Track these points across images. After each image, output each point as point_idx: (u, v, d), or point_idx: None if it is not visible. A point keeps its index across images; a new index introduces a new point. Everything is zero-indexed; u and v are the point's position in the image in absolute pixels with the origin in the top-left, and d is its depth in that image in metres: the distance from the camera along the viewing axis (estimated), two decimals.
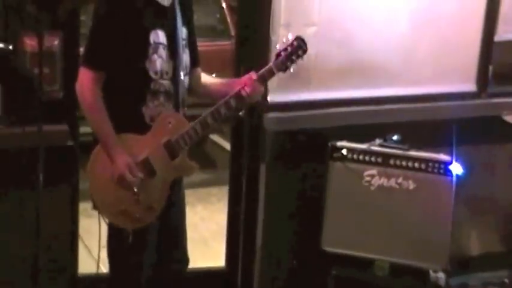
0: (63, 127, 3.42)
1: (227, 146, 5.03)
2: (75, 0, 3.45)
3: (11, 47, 2.88)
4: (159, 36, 2.92)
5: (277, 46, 3.09)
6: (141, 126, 2.95)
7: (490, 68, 4.41)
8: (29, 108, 3.19)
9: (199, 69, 3.21)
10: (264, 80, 3.06)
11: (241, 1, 3.94)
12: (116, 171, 2.90)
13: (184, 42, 3.02)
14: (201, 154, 6.27)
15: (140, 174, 2.92)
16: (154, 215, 2.98)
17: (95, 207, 3.01)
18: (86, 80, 2.88)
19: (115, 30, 2.85)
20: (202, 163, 6.08)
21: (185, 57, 3.04)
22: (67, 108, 3.43)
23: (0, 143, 3.35)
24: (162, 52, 2.93)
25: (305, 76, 3.94)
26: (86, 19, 3.93)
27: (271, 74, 3.06)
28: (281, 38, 3.81)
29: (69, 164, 3.45)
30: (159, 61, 2.92)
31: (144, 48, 2.89)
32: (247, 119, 3.90)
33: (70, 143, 3.42)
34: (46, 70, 3.25)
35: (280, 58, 3.04)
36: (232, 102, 2.99)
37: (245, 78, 3.07)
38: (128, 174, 2.90)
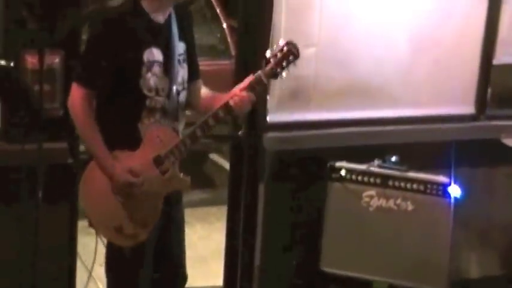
0: (63, 145, 3.42)
1: (226, 165, 5.02)
2: (76, 18, 3.46)
3: (12, 64, 2.89)
4: (154, 54, 2.92)
5: (267, 52, 2.99)
6: (137, 143, 2.95)
7: (489, 90, 4.43)
8: (29, 125, 3.20)
9: (199, 82, 3.18)
10: (252, 89, 2.96)
11: (242, 21, 3.96)
12: (119, 180, 2.89)
13: (181, 57, 3.02)
14: (200, 173, 6.27)
15: (141, 178, 2.91)
16: (148, 231, 2.96)
17: (90, 225, 3.00)
18: (76, 96, 2.89)
19: (108, 49, 2.85)
20: (202, 182, 6.13)
21: (182, 72, 3.03)
22: (67, 126, 3.44)
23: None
24: (157, 69, 2.93)
25: (304, 96, 3.96)
26: (86, 38, 3.96)
27: (260, 82, 2.96)
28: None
29: (68, 181, 3.45)
30: (153, 79, 2.92)
31: (137, 67, 2.89)
32: (246, 138, 3.91)
33: (70, 160, 3.42)
34: (46, 88, 3.26)
35: (270, 65, 2.94)
36: (221, 113, 2.95)
37: (235, 88, 3.02)
38: (132, 177, 2.90)
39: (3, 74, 2.90)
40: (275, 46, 2.98)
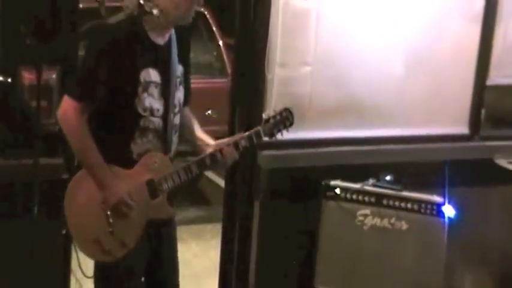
0: (59, 160, 3.43)
1: (221, 182, 5.03)
2: (73, 34, 3.48)
3: (9, 80, 2.90)
4: (151, 74, 2.92)
5: (265, 114, 3.16)
6: (128, 162, 2.95)
7: (483, 111, 4.46)
8: (25, 140, 3.20)
9: (187, 109, 3.20)
10: (238, 147, 3.08)
11: (238, 39, 3.98)
12: (113, 197, 2.89)
13: (178, 79, 3.03)
14: (195, 191, 6.27)
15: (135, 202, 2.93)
16: (124, 251, 2.95)
17: (68, 234, 3.01)
18: (69, 108, 2.85)
19: (105, 66, 2.83)
20: (197, 200, 6.14)
21: (179, 94, 3.04)
22: (63, 142, 3.44)
23: None
24: (154, 90, 2.93)
25: (300, 115, 3.95)
26: (83, 54, 3.98)
27: (258, 137, 3.09)
28: (277, 76, 3.89)
29: (63, 197, 3.45)
30: (148, 99, 2.92)
31: (133, 87, 2.89)
32: (241, 156, 3.92)
33: (65, 176, 3.42)
34: (43, 103, 3.27)
35: (268, 125, 3.10)
36: (207, 161, 3.05)
37: (221, 141, 3.11)
38: (128, 199, 2.91)
39: (0, 90, 2.91)
40: (273, 110, 3.17)
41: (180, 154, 3.13)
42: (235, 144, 3.07)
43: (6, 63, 3.27)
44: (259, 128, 3.10)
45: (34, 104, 3.18)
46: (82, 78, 2.90)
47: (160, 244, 3.08)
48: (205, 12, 6.67)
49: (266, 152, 3.94)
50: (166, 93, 2.97)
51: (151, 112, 2.94)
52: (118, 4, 3.33)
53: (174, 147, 3.07)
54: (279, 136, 3.15)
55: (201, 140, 3.16)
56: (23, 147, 3.24)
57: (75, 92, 2.87)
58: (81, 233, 2.97)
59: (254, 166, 3.94)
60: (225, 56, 6.54)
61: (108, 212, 2.92)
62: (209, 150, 3.07)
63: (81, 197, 2.95)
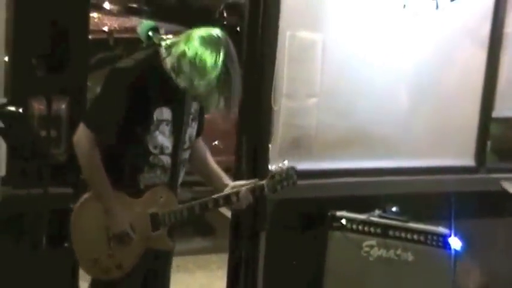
0: (67, 190, 3.45)
1: (227, 213, 5.03)
2: (83, 66, 3.52)
3: (21, 110, 2.94)
4: (163, 113, 2.96)
5: (273, 167, 3.17)
6: (135, 192, 3.01)
7: (488, 143, 4.47)
8: (35, 170, 3.23)
9: (199, 140, 3.22)
10: (254, 193, 3.12)
11: (245, 70, 4.01)
12: (118, 227, 2.96)
13: (191, 116, 3.06)
14: (201, 221, 6.27)
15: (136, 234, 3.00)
16: (121, 273, 3.02)
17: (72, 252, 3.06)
18: (83, 136, 2.92)
19: (123, 101, 2.88)
20: (203, 230, 6.12)
21: (190, 131, 3.08)
22: (71, 172, 3.47)
23: (4, 204, 3.39)
24: (165, 128, 2.97)
25: (306, 146, 4.00)
26: (92, 85, 4.02)
27: (261, 191, 3.12)
28: (283, 108, 3.91)
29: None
30: (160, 137, 2.97)
31: (147, 125, 2.94)
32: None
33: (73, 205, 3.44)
34: (53, 133, 3.30)
35: (272, 181, 3.11)
36: (221, 202, 3.08)
37: (237, 183, 3.15)
38: (130, 231, 2.98)
39: (12, 120, 2.95)
40: (280, 165, 3.14)
41: (186, 184, 3.17)
42: (252, 190, 3.10)
43: (18, 94, 3.32)
44: (263, 182, 3.11)
45: (43, 133, 3.22)
46: (101, 114, 2.95)
47: (155, 276, 3.14)
48: None
49: None
50: (177, 131, 3.01)
51: (161, 150, 2.98)
52: (126, 36, 3.41)
53: (180, 180, 3.12)
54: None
55: (216, 177, 3.19)
56: (31, 177, 3.27)
57: (91, 123, 2.93)
58: (83, 251, 3.04)
59: (260, 196, 3.94)
60: None
61: (111, 235, 2.99)
62: (226, 190, 3.11)
63: (87, 217, 3.02)
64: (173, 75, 2.88)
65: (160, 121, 2.96)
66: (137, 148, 2.96)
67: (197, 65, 2.81)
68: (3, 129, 2.93)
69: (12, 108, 2.95)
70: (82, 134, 2.92)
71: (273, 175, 3.12)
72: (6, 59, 3.38)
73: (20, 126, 3.00)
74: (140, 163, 2.98)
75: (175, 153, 3.02)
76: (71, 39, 3.35)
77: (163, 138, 2.98)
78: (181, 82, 2.86)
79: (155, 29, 2.94)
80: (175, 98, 2.97)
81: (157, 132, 2.96)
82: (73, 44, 3.35)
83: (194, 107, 3.06)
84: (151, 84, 2.92)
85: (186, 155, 3.10)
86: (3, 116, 2.93)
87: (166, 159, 3.01)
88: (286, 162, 3.15)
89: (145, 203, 3.01)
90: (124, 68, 2.94)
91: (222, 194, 3.09)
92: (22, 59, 3.31)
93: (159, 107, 2.95)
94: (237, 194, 3.07)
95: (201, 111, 3.14)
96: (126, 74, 2.91)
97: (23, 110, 2.98)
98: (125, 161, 2.98)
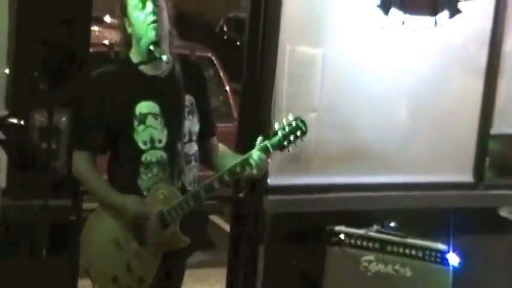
0: (67, 202, 3.46)
1: (226, 227, 5.04)
2: (84, 79, 3.54)
3: (22, 123, 2.95)
4: (146, 106, 2.97)
5: (276, 124, 2.96)
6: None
7: (487, 159, 4.49)
8: (35, 182, 3.24)
9: (213, 139, 3.21)
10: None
11: (244, 85, 4.03)
12: (132, 210, 2.94)
13: (187, 108, 3.04)
14: (200, 235, 6.25)
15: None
16: (143, 287, 2.99)
17: (88, 275, 3.04)
18: (79, 161, 3.02)
19: (97, 108, 2.96)
20: (201, 244, 6.10)
21: (188, 124, 3.05)
22: (71, 184, 3.48)
23: (4, 216, 3.39)
24: (153, 121, 2.97)
25: (305, 160, 4.00)
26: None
27: (267, 152, 2.94)
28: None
29: (71, 238, 3.47)
30: (148, 130, 2.97)
31: (128, 121, 2.96)
32: (247, 200, 3.95)
33: (73, 217, 3.45)
34: (53, 146, 3.31)
35: (277, 137, 2.93)
36: (226, 177, 2.98)
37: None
38: (144, 208, 2.96)
39: (13, 132, 2.96)
40: (284, 119, 2.95)
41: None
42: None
43: (19, 106, 3.34)
44: (266, 142, 2.93)
45: (44, 146, 3.23)
46: (84, 130, 3.03)
47: (169, 280, 3.12)
48: (213, 58, 6.76)
49: (271, 197, 3.96)
50: (170, 123, 3.00)
51: (152, 144, 2.98)
52: None
53: (189, 177, 3.06)
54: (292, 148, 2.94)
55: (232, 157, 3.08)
56: (31, 189, 3.28)
57: (80, 144, 3.02)
58: (100, 274, 3.02)
59: (259, 211, 3.96)
60: (231, 101, 6.59)
61: (121, 245, 2.97)
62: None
63: (96, 238, 3.03)
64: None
65: (145, 115, 2.97)
66: (127, 147, 2.97)
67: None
68: (4, 141, 2.95)
69: (14, 120, 2.97)
70: (77, 159, 3.02)
71: (275, 131, 2.91)
72: (8, 71, 3.40)
73: (21, 138, 3.02)
74: (135, 165, 2.97)
75: (171, 147, 2.99)
76: (72, 52, 3.38)
77: (153, 131, 2.97)
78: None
79: (156, 43, 2.96)
80: (159, 90, 2.99)
81: (142, 127, 2.96)
82: (74, 57, 3.38)
83: (188, 99, 3.05)
84: (124, 81, 2.99)
85: (189, 149, 3.06)
86: (4, 127, 2.95)
87: (160, 154, 2.99)
88: (290, 115, 2.94)
89: (148, 204, 2.99)
90: (90, 78, 3.07)
91: (225, 169, 2.97)
92: (23, 71, 3.33)
93: (139, 101, 2.97)
94: (240, 164, 2.93)
95: (202, 107, 3.12)
96: (92, 83, 3.04)
97: (24, 122, 3.00)
98: (122, 165, 3.01)
